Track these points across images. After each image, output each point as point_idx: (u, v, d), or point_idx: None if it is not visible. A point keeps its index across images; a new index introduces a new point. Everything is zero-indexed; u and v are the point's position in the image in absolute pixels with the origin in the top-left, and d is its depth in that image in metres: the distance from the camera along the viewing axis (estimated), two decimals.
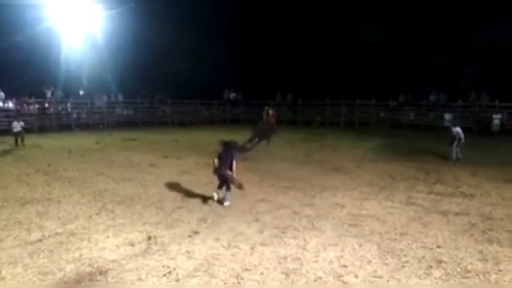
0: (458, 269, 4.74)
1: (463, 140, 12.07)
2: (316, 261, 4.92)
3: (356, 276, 4.55)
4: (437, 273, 4.64)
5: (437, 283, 4.43)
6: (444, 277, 4.56)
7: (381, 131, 20.86)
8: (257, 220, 6.51)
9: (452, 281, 4.46)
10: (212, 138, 13.68)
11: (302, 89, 25.24)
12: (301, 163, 11.82)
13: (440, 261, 4.94)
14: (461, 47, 21.77)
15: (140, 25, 21.71)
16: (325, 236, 5.78)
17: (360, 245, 5.45)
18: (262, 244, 5.44)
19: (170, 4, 22.84)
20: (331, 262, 4.90)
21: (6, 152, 13.18)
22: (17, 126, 15.02)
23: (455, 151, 12.06)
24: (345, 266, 4.80)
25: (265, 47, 26.67)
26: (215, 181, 7.58)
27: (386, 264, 4.87)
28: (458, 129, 12.20)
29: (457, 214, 6.91)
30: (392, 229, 6.11)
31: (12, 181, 9.19)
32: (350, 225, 6.29)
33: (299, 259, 4.99)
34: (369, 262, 4.92)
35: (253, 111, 25.05)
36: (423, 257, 5.05)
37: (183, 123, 24.67)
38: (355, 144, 16.10)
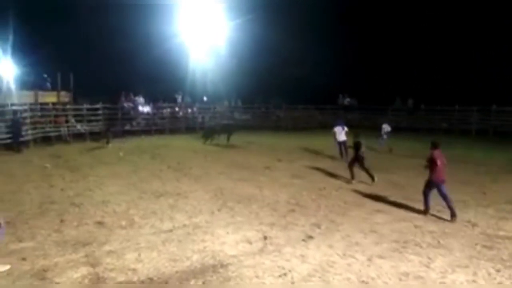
0: None
1: (385, 132, 15.07)
2: (443, 283, 4.48)
3: None
4: None
5: None
6: None
7: None
8: (373, 231, 6.22)
9: None
10: (323, 143, 13.51)
11: (425, 93, 23.20)
12: (425, 174, 10.85)
13: None
14: None
15: (260, 33, 22.71)
16: (453, 257, 5.22)
17: (498, 271, 4.78)
18: (380, 257, 5.17)
19: (289, 12, 23.39)
20: (461, 285, 4.39)
21: (143, 150, 15.00)
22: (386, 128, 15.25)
23: (380, 142, 14.96)
24: None
25: (383, 48, 25.33)
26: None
27: None
28: (385, 125, 15.31)
29: None
30: None
31: (148, 175, 10.49)
32: (484, 246, 5.58)
33: (422, 277, 4.60)
34: None
35: (368, 117, 23.90)
36: None
37: (296, 128, 24.97)
38: (490, 155, 14.19)
